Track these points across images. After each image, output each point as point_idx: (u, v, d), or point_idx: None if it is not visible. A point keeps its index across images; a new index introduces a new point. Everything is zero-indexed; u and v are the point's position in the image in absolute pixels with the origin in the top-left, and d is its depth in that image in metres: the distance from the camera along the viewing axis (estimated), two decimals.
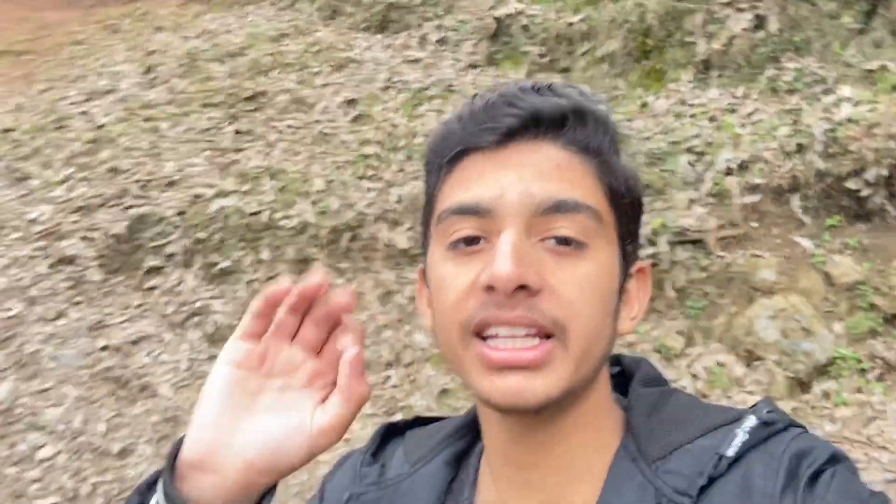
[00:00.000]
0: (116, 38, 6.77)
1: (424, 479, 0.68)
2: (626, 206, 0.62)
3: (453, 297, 0.58)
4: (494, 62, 5.07)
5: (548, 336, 0.56)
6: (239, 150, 4.63)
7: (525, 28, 5.11)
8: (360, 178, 4.22)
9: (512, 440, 0.63)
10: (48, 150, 4.88)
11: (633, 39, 4.58)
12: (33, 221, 4.27)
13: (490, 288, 0.55)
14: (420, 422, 0.76)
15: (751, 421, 0.58)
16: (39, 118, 5.32)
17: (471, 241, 0.59)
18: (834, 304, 3.24)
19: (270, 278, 3.76)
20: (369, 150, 4.40)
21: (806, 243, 3.43)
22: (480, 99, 0.62)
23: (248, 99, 5.19)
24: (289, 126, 4.78)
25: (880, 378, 2.98)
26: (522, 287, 0.55)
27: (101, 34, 6.98)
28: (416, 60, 5.36)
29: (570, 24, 4.89)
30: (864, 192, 3.48)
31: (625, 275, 0.62)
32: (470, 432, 0.70)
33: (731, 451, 0.56)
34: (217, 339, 3.55)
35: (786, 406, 2.81)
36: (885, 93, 3.73)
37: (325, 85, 5.17)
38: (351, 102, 4.87)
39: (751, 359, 3.08)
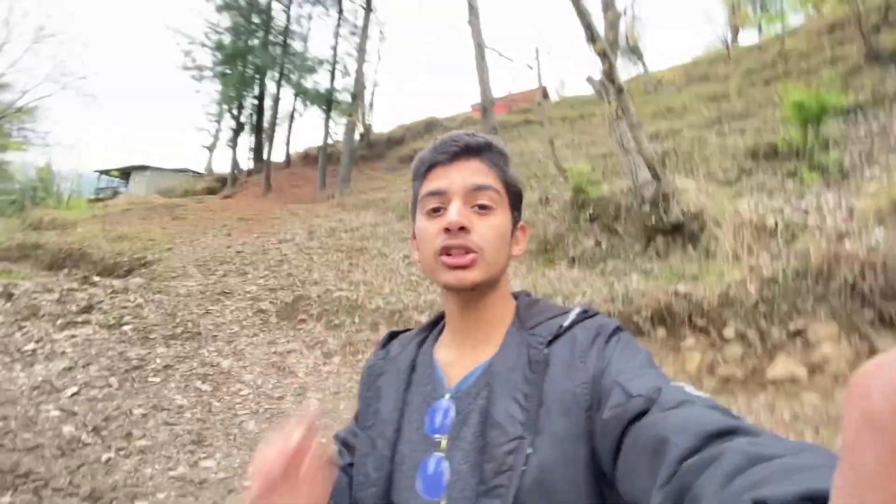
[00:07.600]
0: (296, 219, 14.79)
1: (407, 350, 1.08)
2: (513, 191, 1.04)
3: (430, 237, 0.99)
4: None
5: (474, 252, 0.96)
6: (350, 272, 9.88)
7: None
8: (408, 289, 8.55)
9: (458, 311, 1.02)
10: (258, 262, 10.96)
11: None
12: (248, 293, 9.43)
13: (447, 229, 0.96)
14: (408, 329, 1.18)
15: (577, 310, 0.98)
16: (255, 248, 12.00)
17: (436, 210, 0.99)
18: None
19: (359, 331, 7.77)
20: (414, 277, 9.09)
21: None
22: (440, 139, 1.04)
23: (357, 250, 11.02)
24: (376, 264, 10.11)
25: None
26: (462, 228, 0.95)
27: (289, 216, 15.38)
28: None
29: None
30: None
31: (514, 227, 1.04)
32: (434, 325, 1.13)
33: (566, 323, 0.95)
34: (329, 355, 7.38)
35: None
36: None
37: (395, 247, 10.85)
38: (405, 257, 10.16)
39: None
